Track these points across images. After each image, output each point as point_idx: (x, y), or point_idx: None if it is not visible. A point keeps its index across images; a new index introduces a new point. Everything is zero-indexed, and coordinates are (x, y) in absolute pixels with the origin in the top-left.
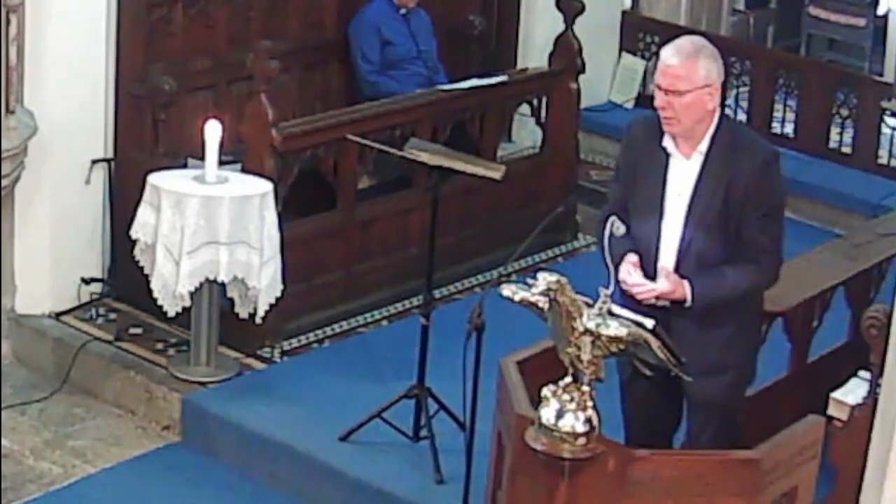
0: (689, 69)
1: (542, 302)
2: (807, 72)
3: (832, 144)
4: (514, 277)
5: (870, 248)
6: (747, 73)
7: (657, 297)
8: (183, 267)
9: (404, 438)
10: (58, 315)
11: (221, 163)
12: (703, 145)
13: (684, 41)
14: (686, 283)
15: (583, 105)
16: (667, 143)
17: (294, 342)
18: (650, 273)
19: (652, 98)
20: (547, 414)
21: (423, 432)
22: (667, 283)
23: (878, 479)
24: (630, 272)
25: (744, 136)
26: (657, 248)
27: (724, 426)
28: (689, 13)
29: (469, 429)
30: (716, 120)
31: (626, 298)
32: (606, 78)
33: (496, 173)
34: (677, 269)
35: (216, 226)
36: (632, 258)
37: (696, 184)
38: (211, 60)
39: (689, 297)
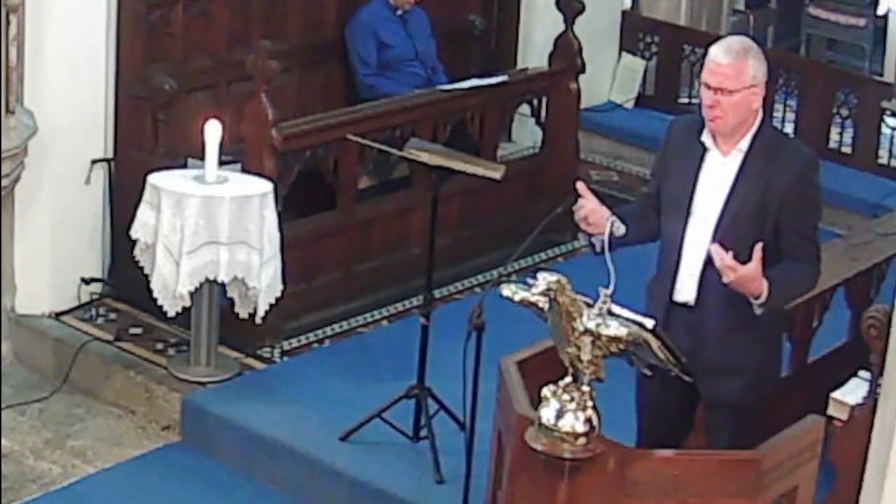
0: (739, 69)
1: (542, 302)
2: (807, 72)
3: (832, 144)
4: (514, 277)
5: (870, 248)
6: None
7: (732, 284)
8: (183, 267)
9: (404, 438)
10: (58, 315)
11: (221, 163)
12: (744, 143)
13: (733, 41)
14: (765, 283)
15: (583, 105)
16: (705, 138)
17: (294, 342)
18: (673, 268)
19: (651, 98)
20: (547, 414)
21: (423, 432)
22: (755, 266)
23: (878, 479)
24: (722, 256)
25: (784, 138)
26: (681, 246)
27: (742, 427)
28: (689, 13)
29: (469, 429)
30: (758, 120)
31: (652, 296)
32: (606, 78)
33: (496, 173)
34: (705, 270)
35: (216, 226)
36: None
37: (734, 181)
38: (211, 60)
39: (764, 294)
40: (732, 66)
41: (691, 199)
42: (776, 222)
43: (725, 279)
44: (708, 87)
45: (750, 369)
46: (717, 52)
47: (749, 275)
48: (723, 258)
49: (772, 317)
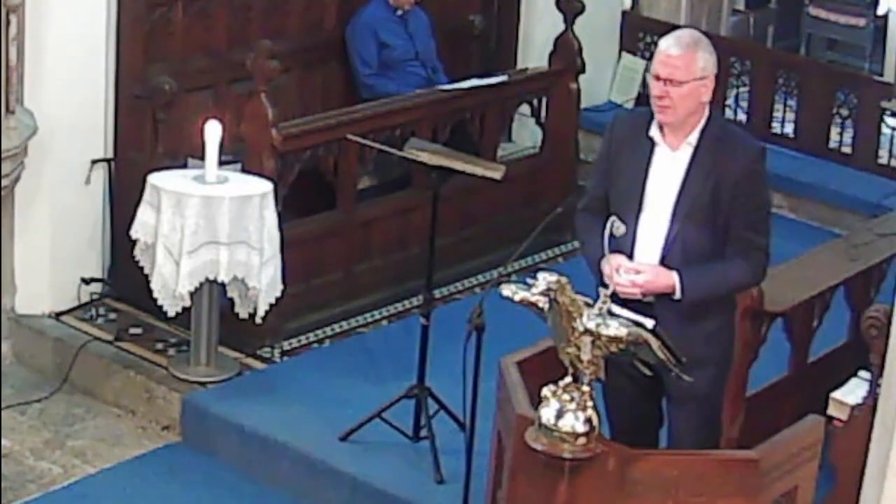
0: (688, 60)
1: (542, 302)
2: (807, 72)
3: (832, 144)
4: (514, 277)
5: (870, 248)
6: (747, 73)
7: (644, 294)
8: (183, 267)
9: (404, 438)
10: (58, 315)
11: (221, 163)
12: (693, 137)
13: (683, 32)
14: (675, 274)
15: (583, 105)
16: (653, 132)
17: (294, 342)
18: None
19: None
20: (547, 414)
21: (423, 432)
22: (648, 273)
23: (878, 479)
24: (617, 271)
25: (732, 131)
26: (633, 242)
27: (707, 420)
28: (689, 13)
29: (469, 429)
30: (706, 113)
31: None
32: (606, 78)
33: (496, 173)
34: (663, 264)
35: (216, 226)
36: (616, 261)
37: (685, 176)
38: (211, 60)
39: (678, 289)
40: (682, 58)
41: (642, 195)
42: (726, 215)
43: (624, 295)
44: (658, 78)
45: (713, 360)
46: (667, 44)
47: (648, 281)
48: (618, 277)
49: (728, 309)
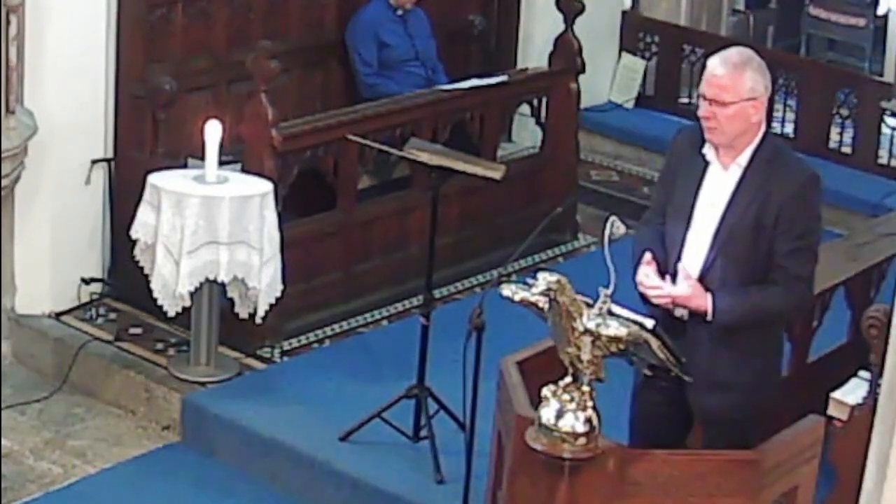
0: (735, 81)
1: (542, 302)
2: (807, 72)
3: (832, 144)
4: (514, 277)
5: (870, 248)
6: None
7: (674, 304)
8: (183, 267)
9: (404, 438)
10: (58, 315)
11: (221, 163)
12: (744, 158)
13: (732, 52)
14: (709, 295)
15: (583, 105)
16: (707, 150)
17: (294, 342)
18: (671, 281)
19: (651, 98)
20: (547, 414)
21: (423, 432)
22: (686, 288)
23: (878, 479)
24: (647, 274)
25: (785, 155)
26: (680, 257)
27: (734, 443)
28: (690, 13)
29: (469, 429)
30: (760, 134)
31: (650, 306)
32: (606, 78)
33: (496, 173)
34: (701, 282)
35: (216, 226)
36: (646, 257)
37: (732, 196)
38: (211, 60)
39: (710, 311)
40: (728, 78)
41: (691, 212)
42: (769, 241)
43: (655, 301)
44: (704, 97)
45: (740, 386)
46: (714, 63)
47: (682, 295)
48: (647, 280)
49: (764, 338)
